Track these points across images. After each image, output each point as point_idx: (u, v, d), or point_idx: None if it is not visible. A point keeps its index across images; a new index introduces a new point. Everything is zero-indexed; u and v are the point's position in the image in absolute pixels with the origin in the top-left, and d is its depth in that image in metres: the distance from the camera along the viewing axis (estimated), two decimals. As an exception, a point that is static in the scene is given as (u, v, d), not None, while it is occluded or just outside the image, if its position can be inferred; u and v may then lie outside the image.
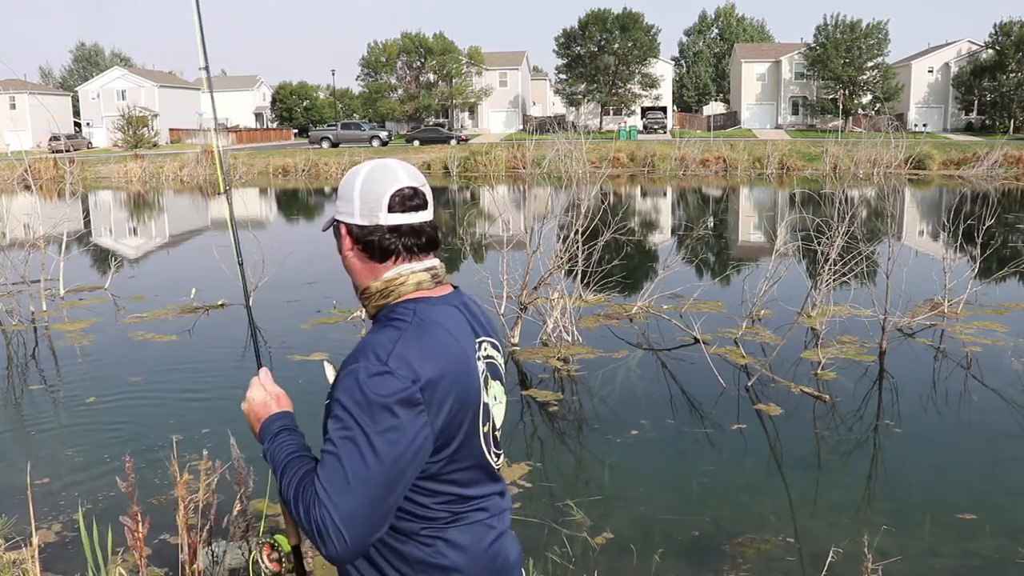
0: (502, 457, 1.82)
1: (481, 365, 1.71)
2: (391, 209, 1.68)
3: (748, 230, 21.35)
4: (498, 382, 1.79)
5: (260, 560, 1.90)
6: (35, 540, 3.70)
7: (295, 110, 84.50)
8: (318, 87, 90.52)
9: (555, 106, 74.18)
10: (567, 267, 9.47)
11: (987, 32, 64.45)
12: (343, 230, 1.73)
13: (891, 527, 4.69)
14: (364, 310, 1.76)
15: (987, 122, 59.34)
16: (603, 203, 13.20)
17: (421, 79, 66.44)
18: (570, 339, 8.74)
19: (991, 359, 8.01)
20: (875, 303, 8.54)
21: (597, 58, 62.85)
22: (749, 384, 7.29)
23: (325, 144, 51.57)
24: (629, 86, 64.62)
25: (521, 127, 65.58)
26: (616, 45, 62.21)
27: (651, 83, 64.67)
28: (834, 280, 8.83)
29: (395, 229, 1.68)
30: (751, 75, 68.71)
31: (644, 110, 65.47)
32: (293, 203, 31.15)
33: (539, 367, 8.06)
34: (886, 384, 7.49)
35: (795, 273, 10.21)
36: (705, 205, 26.67)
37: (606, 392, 7.30)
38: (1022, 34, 56.37)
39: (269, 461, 1.68)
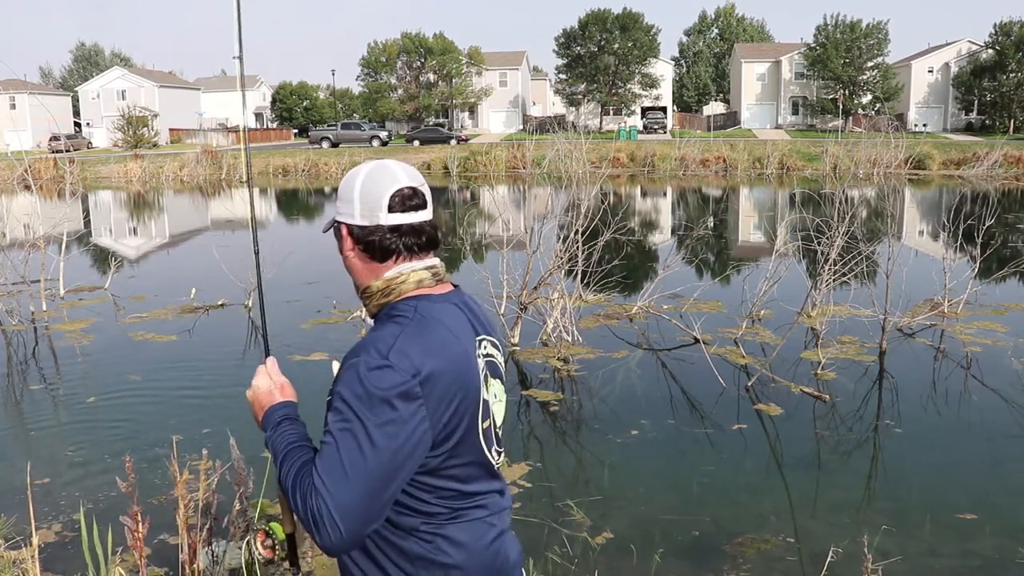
0: (503, 455, 1.82)
1: (481, 363, 1.73)
2: (391, 209, 1.70)
3: (748, 230, 21.35)
4: (498, 380, 1.81)
5: (254, 545, 1.90)
6: (35, 540, 3.70)
7: (295, 110, 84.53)
8: (318, 87, 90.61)
9: (555, 106, 74.18)
10: (567, 267, 9.47)
11: (987, 32, 64.59)
12: (344, 231, 1.75)
13: (891, 527, 4.68)
14: (365, 309, 1.77)
15: (987, 122, 59.35)
16: (603, 203, 13.20)
17: (421, 79, 66.44)
18: (570, 339, 8.74)
19: (991, 359, 8.01)
20: (875, 303, 8.54)
21: (597, 58, 62.85)
22: (749, 384, 7.29)
23: (325, 144, 51.58)
24: (629, 86, 64.63)
25: (521, 127, 65.58)
26: (616, 45, 62.21)
27: (651, 83, 64.67)
28: (834, 280, 8.82)
29: (395, 229, 1.70)
30: (751, 75, 68.71)
31: (644, 110, 65.47)
32: (293, 203, 31.14)
33: (539, 367, 8.06)
34: (886, 384, 7.49)
35: (795, 273, 10.21)
36: (705, 205, 26.67)
37: (606, 392, 7.30)
38: (1022, 34, 56.37)
39: (270, 449, 1.70)
